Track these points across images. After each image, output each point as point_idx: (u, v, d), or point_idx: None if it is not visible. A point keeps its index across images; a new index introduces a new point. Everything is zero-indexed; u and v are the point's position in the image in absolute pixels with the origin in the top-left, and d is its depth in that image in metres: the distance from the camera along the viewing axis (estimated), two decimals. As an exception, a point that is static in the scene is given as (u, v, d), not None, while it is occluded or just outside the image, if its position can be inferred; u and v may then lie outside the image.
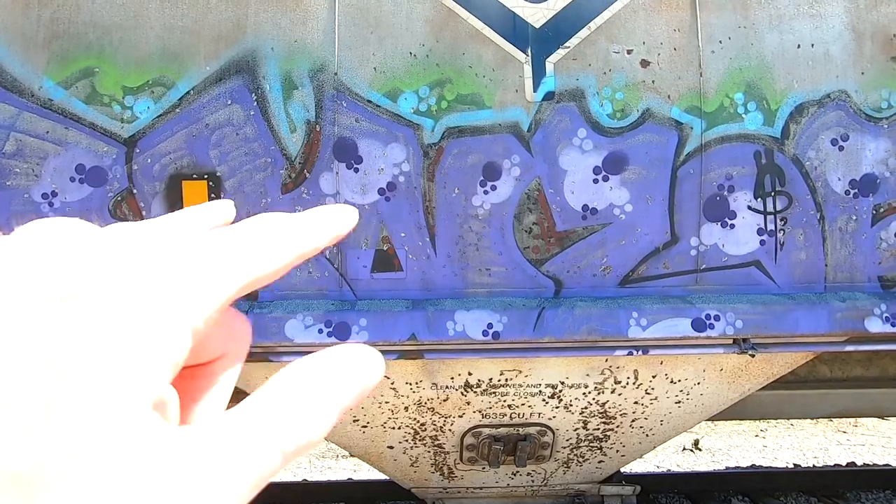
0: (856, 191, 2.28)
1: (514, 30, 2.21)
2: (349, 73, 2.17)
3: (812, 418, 3.97)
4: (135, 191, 2.15)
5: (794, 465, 4.83)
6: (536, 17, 2.23)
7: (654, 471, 4.61)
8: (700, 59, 2.23)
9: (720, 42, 2.24)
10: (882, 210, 2.30)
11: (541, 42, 2.21)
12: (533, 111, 2.20)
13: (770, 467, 4.38)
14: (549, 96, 2.20)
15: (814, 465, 4.67)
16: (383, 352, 2.03)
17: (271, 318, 2.13)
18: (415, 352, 2.21)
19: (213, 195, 2.17)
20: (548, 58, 2.21)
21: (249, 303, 2.18)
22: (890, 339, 2.31)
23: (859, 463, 4.70)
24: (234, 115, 2.15)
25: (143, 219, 1.91)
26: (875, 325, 2.21)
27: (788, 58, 2.25)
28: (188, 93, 2.14)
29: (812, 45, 2.27)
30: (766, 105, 2.24)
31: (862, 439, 6.54)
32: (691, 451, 6.01)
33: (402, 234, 2.22)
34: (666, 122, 2.22)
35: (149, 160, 2.14)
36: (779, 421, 7.19)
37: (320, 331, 2.13)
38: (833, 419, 7.03)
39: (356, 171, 2.19)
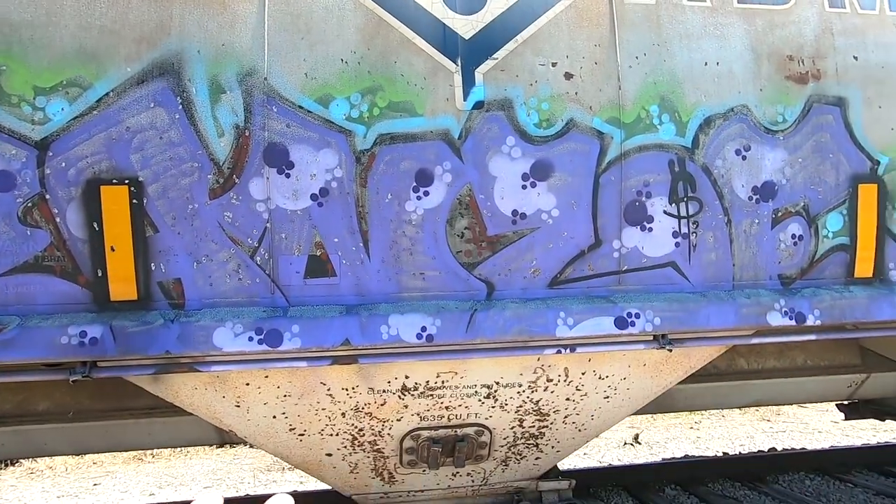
0: (757, 196, 2.50)
1: (445, 40, 2.28)
2: (280, 79, 2.16)
3: (733, 408, 4.26)
4: (47, 196, 2.04)
5: (724, 453, 5.15)
6: (466, 28, 2.31)
7: (594, 465, 4.78)
8: (619, 73, 2.37)
9: (636, 58, 2.40)
10: (780, 214, 2.52)
11: (470, 53, 2.29)
12: (463, 119, 2.27)
13: (700, 457, 4.66)
14: (478, 105, 2.28)
15: (739, 453, 5.00)
16: (316, 358, 2.02)
17: (198, 327, 2.08)
18: (349, 357, 2.21)
19: (134, 200, 2.09)
20: (477, 68, 2.28)
21: (175, 311, 2.12)
22: (789, 331, 2.54)
23: (779, 448, 5.08)
24: (158, 119, 2.09)
25: (56, 226, 1.79)
26: (775, 319, 2.43)
27: (696, 74, 2.44)
28: (107, 94, 2.06)
29: (717, 63, 2.47)
30: (678, 117, 2.42)
31: (783, 426, 7.07)
32: (631, 445, 6.29)
33: (336, 240, 2.22)
34: (588, 131, 2.35)
35: (63, 164, 2.04)
36: (712, 413, 7.65)
37: (251, 338, 2.09)
38: (758, 409, 7.57)
39: (288, 176, 2.17)
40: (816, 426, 6.76)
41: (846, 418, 4.35)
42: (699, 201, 2.43)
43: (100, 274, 2.08)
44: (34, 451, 3.24)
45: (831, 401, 4.04)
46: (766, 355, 3.81)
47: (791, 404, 4.11)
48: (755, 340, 2.50)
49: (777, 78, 2.51)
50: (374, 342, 2.16)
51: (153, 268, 2.12)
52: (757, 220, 2.50)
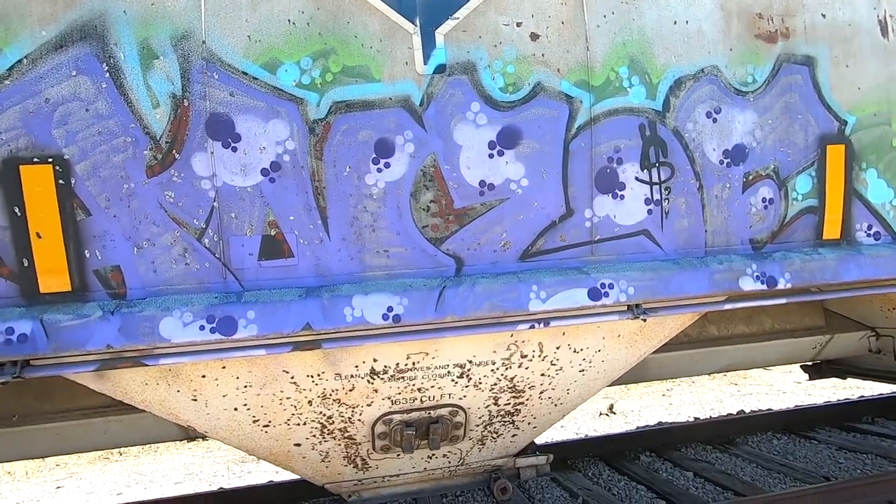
0: (728, 160, 2.45)
1: (401, -2, 2.11)
2: (220, 42, 1.96)
3: (705, 374, 4.33)
4: (-43, 179, 1.81)
5: (695, 418, 5.27)
6: (424, -15, 2.14)
7: (571, 438, 4.82)
8: (587, 33, 2.26)
9: (604, 17, 2.29)
10: (751, 177, 2.48)
11: (429, 12, 2.13)
12: (424, 84, 2.12)
13: (673, 423, 4.74)
14: (440, 69, 2.13)
15: (710, 417, 5.12)
16: (276, 345, 1.89)
17: (143, 318, 1.90)
18: (311, 342, 2.08)
19: (60, 181, 1.88)
20: (437, 28, 2.13)
21: (116, 301, 1.93)
22: (760, 295, 2.53)
23: (747, 410, 5.24)
24: (82, 88, 1.87)
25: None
26: (748, 284, 2.40)
27: (666, 33, 2.34)
28: (20, 62, 1.83)
29: (687, 22, 2.38)
30: (648, 79, 2.32)
31: (750, 389, 7.32)
32: (607, 415, 6.39)
33: (291, 218, 2.06)
34: (556, 95, 2.23)
35: (-28, 141, 1.81)
36: (682, 380, 7.87)
37: (202, 327, 1.94)
38: (727, 374, 7.82)
39: (234, 150, 1.99)
40: (781, 387, 7.03)
41: (810, 378, 4.48)
42: (671, 166, 2.37)
43: (26, 264, 1.88)
44: (-21, 458, 3.01)
45: (797, 363, 4.15)
46: (735, 321, 3.85)
47: (761, 368, 4.18)
48: (728, 306, 2.48)
49: (747, 37, 2.44)
50: (337, 325, 2.03)
51: (87, 255, 1.92)
52: (728, 185, 2.46)
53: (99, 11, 1.88)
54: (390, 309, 2.08)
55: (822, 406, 4.58)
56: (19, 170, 1.84)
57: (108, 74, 1.89)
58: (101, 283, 1.94)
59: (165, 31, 1.92)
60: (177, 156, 1.95)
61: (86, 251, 1.92)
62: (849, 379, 4.41)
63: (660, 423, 4.89)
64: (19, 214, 1.86)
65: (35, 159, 1.85)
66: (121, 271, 1.95)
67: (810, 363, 4.35)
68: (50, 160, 1.86)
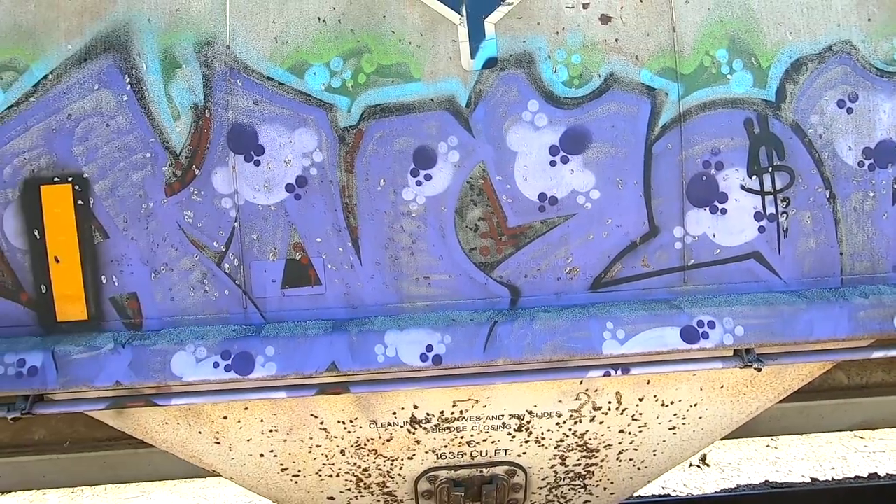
0: (871, 161, 1.88)
1: (445, -14, 1.83)
2: (244, 46, 1.78)
3: (828, 431, 3.54)
4: (-19, 201, 1.74)
5: (812, 478, 4.37)
6: (471, -30, 1.85)
7: (653, 495, 4.13)
8: (672, 11, 1.84)
9: (695, -10, 1.86)
10: (904, 183, 1.89)
11: (478, -1, 1.83)
12: (471, 82, 1.80)
13: (785, 484, 3.92)
14: (490, 63, 1.80)
15: (833, 479, 4.21)
16: (298, 386, 1.58)
17: (154, 352, 1.70)
18: (337, 385, 1.78)
19: (79, 201, 1.75)
20: (486, 17, 1.82)
21: (130, 333, 1.76)
22: (927, 340, 1.89)
23: (882, 474, 4.25)
24: (104, 103, 1.75)
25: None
26: (908, 325, 1.80)
27: (778, 4, 1.86)
28: (45, 77, 1.74)
29: (806, -10, 1.88)
30: (754, 62, 1.85)
31: (881, 445, 6.06)
32: (698, 466, 5.53)
33: (318, 240, 1.80)
34: (635, 88, 1.82)
35: (-6, 161, 1.73)
36: (791, 428, 6.72)
37: (216, 364, 1.70)
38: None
39: (257, 164, 1.78)
40: (926, 445, 5.74)
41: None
42: (790, 171, 1.85)
43: (44, 290, 1.76)
44: (33, 483, 3.02)
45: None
46: (872, 367, 3.09)
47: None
48: (877, 354, 1.87)
49: (890, 2, 1.89)
50: (367, 366, 1.72)
51: (104, 281, 1.77)
52: (872, 193, 1.88)
53: (124, 22, 1.76)
54: (430, 348, 1.73)
55: None
56: (40, 190, 1.74)
57: (129, 87, 1.76)
58: (117, 311, 1.77)
59: (189, 37, 1.77)
60: (197, 172, 1.77)
61: (102, 277, 1.77)
62: None
63: (766, 483, 4.08)
64: (39, 237, 1.75)
65: (56, 178, 1.74)
66: (137, 299, 1.77)
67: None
68: (70, 179, 1.75)
